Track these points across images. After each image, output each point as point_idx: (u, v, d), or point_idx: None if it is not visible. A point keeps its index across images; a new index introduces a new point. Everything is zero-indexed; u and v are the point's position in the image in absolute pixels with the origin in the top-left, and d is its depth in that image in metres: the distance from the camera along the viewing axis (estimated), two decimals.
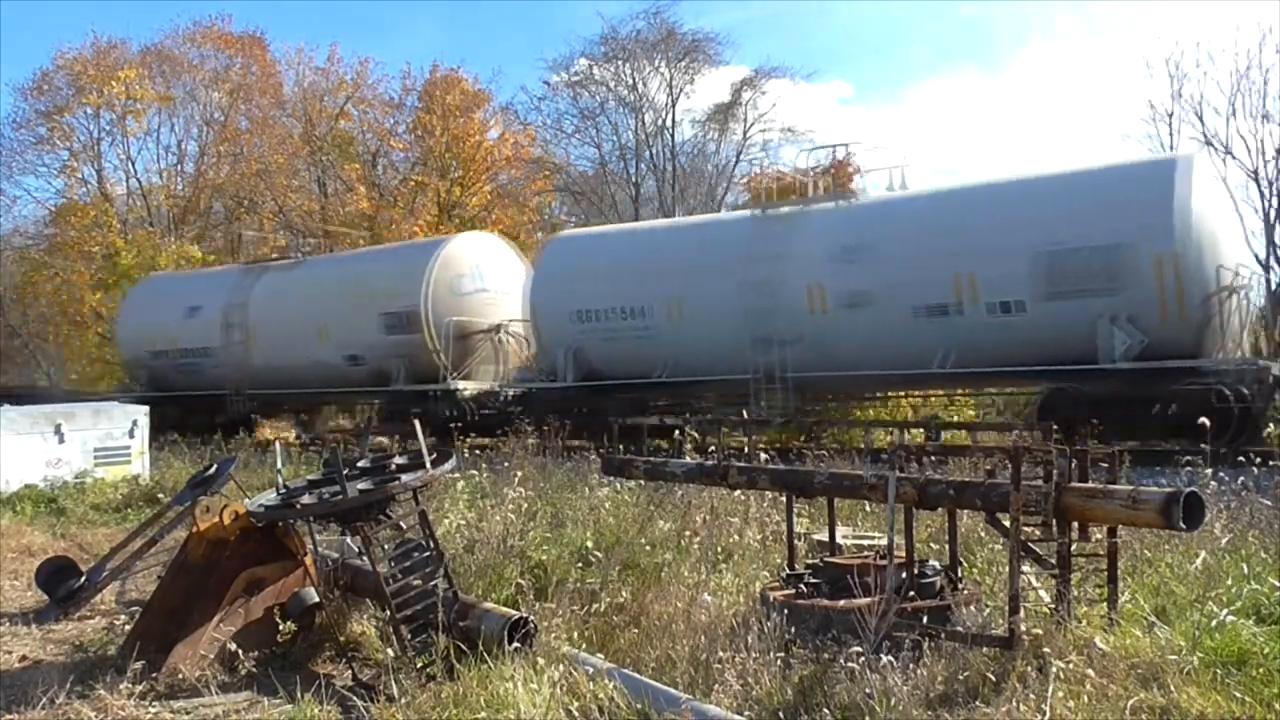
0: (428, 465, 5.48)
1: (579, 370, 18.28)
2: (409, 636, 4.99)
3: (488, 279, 20.82)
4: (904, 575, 4.95)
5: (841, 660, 4.25)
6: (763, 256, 16.13)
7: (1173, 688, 3.94)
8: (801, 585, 5.31)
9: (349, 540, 6.11)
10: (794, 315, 15.81)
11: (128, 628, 5.85)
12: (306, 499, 5.46)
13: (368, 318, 20.50)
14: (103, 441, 14.66)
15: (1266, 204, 21.82)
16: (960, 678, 4.15)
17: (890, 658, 4.14)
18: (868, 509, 8.04)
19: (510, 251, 21.98)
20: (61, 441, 14.18)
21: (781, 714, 4.12)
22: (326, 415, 26.81)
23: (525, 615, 5.04)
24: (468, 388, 19.29)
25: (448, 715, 4.24)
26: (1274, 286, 20.87)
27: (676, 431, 15.93)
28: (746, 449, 8.44)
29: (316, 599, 5.65)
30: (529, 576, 6.13)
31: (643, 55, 38.56)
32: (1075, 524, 4.67)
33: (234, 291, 23.49)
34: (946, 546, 5.35)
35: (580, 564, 6.50)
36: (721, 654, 4.54)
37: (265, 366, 22.49)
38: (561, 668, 4.52)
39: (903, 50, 66.50)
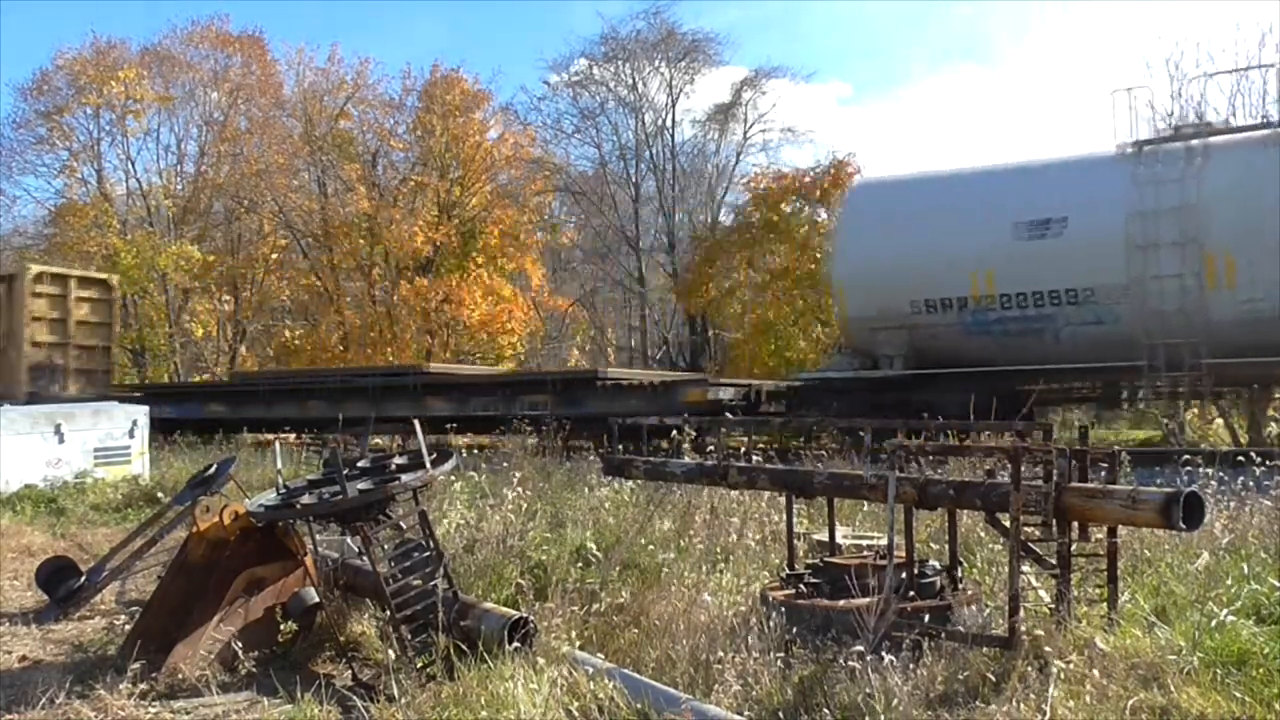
0: (428, 465, 5.48)
1: None
2: (409, 636, 4.99)
3: None
4: (904, 575, 4.95)
5: (841, 660, 4.25)
6: None
7: (1173, 688, 3.94)
8: (801, 585, 5.30)
9: (349, 540, 6.11)
10: None
11: (128, 628, 5.85)
12: (306, 499, 5.46)
13: None
14: (103, 441, 14.64)
15: None
16: (960, 678, 4.15)
17: (890, 658, 4.13)
18: (867, 509, 8.04)
19: None
20: (61, 441, 14.16)
21: (781, 714, 4.12)
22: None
23: (525, 615, 5.04)
24: None
25: (448, 715, 4.24)
26: None
27: (674, 431, 15.29)
28: (744, 449, 8.43)
29: (316, 599, 5.65)
30: (529, 576, 6.12)
31: (642, 55, 38.51)
32: (1075, 524, 4.66)
33: (1153, 188, 13.90)
34: (946, 546, 5.35)
35: (580, 564, 6.49)
36: (721, 654, 4.53)
37: (1249, 316, 13.46)
38: (561, 668, 4.52)
39: (901, 50, 66.64)
